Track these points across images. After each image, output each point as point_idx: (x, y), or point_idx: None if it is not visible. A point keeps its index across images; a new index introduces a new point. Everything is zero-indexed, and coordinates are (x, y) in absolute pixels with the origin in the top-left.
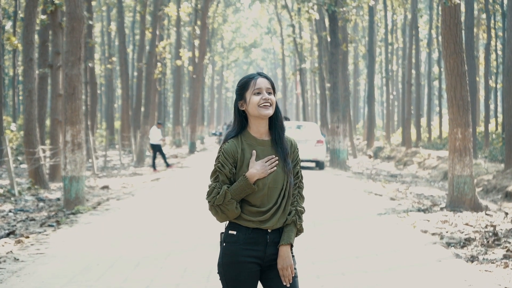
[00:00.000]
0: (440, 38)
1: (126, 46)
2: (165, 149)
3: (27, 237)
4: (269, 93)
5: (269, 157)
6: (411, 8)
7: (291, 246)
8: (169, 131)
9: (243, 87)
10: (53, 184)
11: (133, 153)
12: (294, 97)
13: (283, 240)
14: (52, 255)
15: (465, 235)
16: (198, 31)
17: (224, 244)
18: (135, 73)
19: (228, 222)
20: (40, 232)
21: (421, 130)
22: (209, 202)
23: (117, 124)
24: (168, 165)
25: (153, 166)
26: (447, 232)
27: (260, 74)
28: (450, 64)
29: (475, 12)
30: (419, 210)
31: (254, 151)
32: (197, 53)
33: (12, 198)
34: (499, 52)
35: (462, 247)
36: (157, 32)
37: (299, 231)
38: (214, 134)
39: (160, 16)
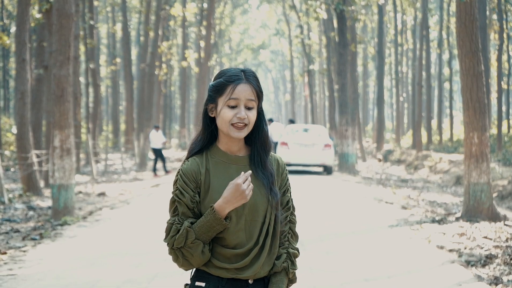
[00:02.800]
0: (450, 39)
1: (131, 47)
2: (170, 152)
3: (4, 253)
4: (249, 108)
5: (243, 175)
6: (421, 8)
7: None
8: (175, 134)
9: (217, 89)
10: (47, 191)
11: (136, 156)
12: (302, 99)
13: None
14: (24, 277)
15: (486, 251)
16: (204, 32)
17: None
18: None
19: (194, 269)
20: (19, 247)
21: (432, 132)
22: (167, 244)
23: (123, 126)
24: (166, 171)
25: (154, 171)
26: (465, 248)
27: (245, 74)
28: (465, 63)
29: (487, 13)
30: (433, 221)
31: (242, 172)
32: (203, 55)
33: (1, 206)
34: (511, 53)
35: (483, 265)
36: (160, 32)
37: (291, 281)
38: None
39: (163, 16)
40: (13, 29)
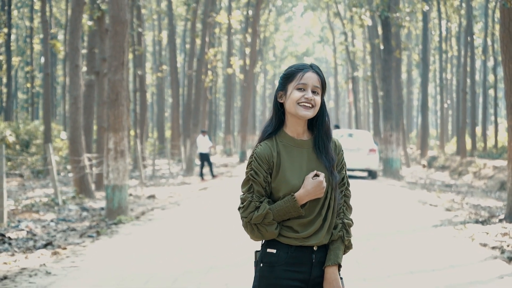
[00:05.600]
0: (495, 45)
1: (176, 54)
2: (215, 158)
3: (64, 248)
4: (315, 92)
5: (322, 175)
6: (466, 15)
7: (339, 266)
8: (219, 140)
9: (287, 77)
10: (98, 193)
11: (183, 162)
12: (346, 106)
13: (329, 260)
14: (86, 269)
15: None
16: (249, 39)
17: (261, 264)
18: (186, 82)
19: None
20: (78, 243)
21: (476, 139)
22: (243, 218)
23: (168, 133)
24: (213, 176)
25: (201, 175)
26: (508, 245)
27: (312, 67)
28: (509, 69)
29: None
30: (476, 221)
31: (322, 173)
32: (248, 61)
33: (56, 208)
34: None
35: None
36: (207, 39)
37: (347, 247)
38: None
39: (210, 23)
40: (60, 36)
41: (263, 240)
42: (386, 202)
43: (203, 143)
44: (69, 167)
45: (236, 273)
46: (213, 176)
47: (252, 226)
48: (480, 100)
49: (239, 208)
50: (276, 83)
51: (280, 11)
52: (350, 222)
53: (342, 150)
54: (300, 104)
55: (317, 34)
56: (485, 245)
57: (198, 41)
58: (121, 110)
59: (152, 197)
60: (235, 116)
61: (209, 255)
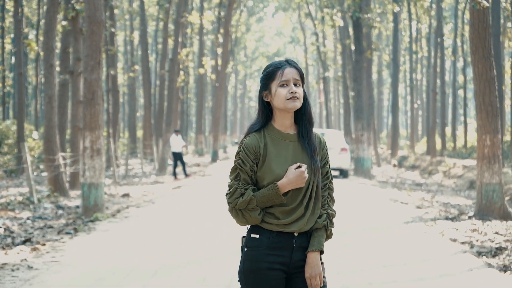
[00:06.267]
0: (465, 46)
1: (148, 54)
2: (187, 158)
3: (43, 244)
4: (296, 85)
5: (304, 166)
6: (436, 16)
7: (321, 252)
8: (191, 140)
9: (268, 77)
10: (73, 192)
11: (155, 161)
12: (317, 106)
13: (312, 246)
14: (67, 263)
15: (496, 244)
16: (221, 39)
17: (245, 249)
18: (158, 82)
19: (250, 225)
20: (56, 240)
21: (446, 139)
22: (229, 203)
23: (139, 133)
24: (186, 175)
25: (174, 174)
26: (477, 241)
27: (288, 62)
28: (478, 69)
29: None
30: (446, 218)
31: (304, 165)
32: (220, 62)
33: (31, 206)
34: None
35: (493, 256)
36: (180, 40)
37: (328, 237)
38: (236, 143)
39: (182, 24)
40: (30, 36)
41: (248, 226)
42: (358, 200)
43: (176, 143)
44: (42, 166)
45: (213, 267)
46: (186, 175)
47: (237, 211)
48: (450, 100)
49: (226, 194)
50: (247, 83)
51: (251, 12)
52: (334, 213)
53: (326, 146)
54: (287, 99)
55: (288, 35)
56: (455, 240)
57: (170, 41)
58: (97, 109)
59: (126, 195)
60: (206, 116)
61: (186, 250)
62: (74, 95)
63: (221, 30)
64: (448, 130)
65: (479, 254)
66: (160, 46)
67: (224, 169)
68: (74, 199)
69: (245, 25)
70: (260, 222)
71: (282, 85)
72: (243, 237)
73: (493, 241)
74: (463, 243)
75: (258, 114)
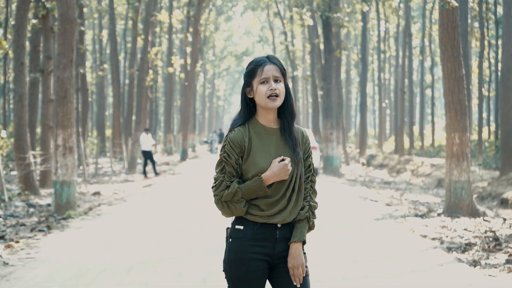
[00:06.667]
0: (432, 46)
1: (118, 53)
2: (156, 157)
3: (17, 241)
4: (277, 81)
5: (288, 159)
6: (404, 16)
7: (303, 243)
8: (160, 139)
9: (250, 74)
10: (43, 190)
11: (124, 160)
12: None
13: (295, 237)
14: (43, 259)
15: (465, 240)
16: (190, 38)
17: (230, 240)
18: (127, 81)
19: (234, 216)
20: (30, 237)
21: (414, 138)
22: (215, 195)
23: (108, 132)
24: (156, 173)
25: (144, 173)
26: (447, 237)
27: (269, 59)
28: (447, 68)
29: (468, 21)
30: (416, 215)
31: (288, 158)
32: (189, 61)
33: (2, 204)
34: (492, 60)
35: (463, 251)
36: (149, 39)
37: (310, 228)
38: (206, 142)
39: (152, 22)
40: None
41: (233, 218)
42: (329, 198)
43: (146, 141)
44: (11, 165)
45: (188, 263)
46: (156, 173)
47: (222, 203)
48: (418, 99)
49: (212, 187)
50: (216, 82)
51: (220, 11)
52: (316, 205)
53: (309, 140)
54: (268, 97)
55: (257, 34)
56: (425, 236)
57: (139, 40)
58: (70, 107)
59: (97, 194)
60: (175, 115)
61: (160, 247)
62: (44, 93)
63: (190, 29)
64: (416, 129)
65: (449, 249)
66: (129, 45)
67: (194, 168)
68: (45, 197)
69: (214, 24)
70: (244, 214)
71: (263, 82)
72: (228, 228)
73: (462, 237)
74: (433, 239)
75: (241, 109)
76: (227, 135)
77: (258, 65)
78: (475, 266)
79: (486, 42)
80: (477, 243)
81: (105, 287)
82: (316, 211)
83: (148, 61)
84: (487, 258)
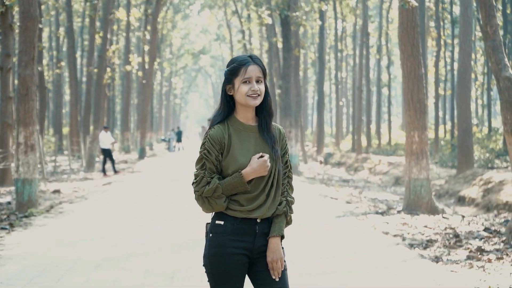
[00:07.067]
0: (389, 45)
1: (75, 51)
2: (114, 155)
3: None
4: (258, 82)
5: (267, 156)
6: (362, 15)
7: (282, 238)
8: (117, 137)
9: (232, 72)
10: (2, 188)
11: (83, 158)
12: None
13: (274, 232)
14: (8, 257)
15: (426, 236)
16: (148, 36)
17: (210, 235)
18: (84, 78)
19: (214, 212)
20: None
21: (371, 136)
22: (196, 191)
23: (65, 130)
24: (115, 171)
25: (103, 171)
26: (408, 233)
27: (252, 59)
28: (407, 67)
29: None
30: (376, 213)
31: (266, 155)
32: (147, 59)
33: None
34: (448, 60)
35: (425, 248)
36: (108, 36)
37: (288, 223)
38: (163, 140)
39: (111, 20)
40: None
41: (213, 213)
42: None
43: (105, 139)
44: None
45: (155, 259)
46: (115, 171)
47: (203, 199)
48: (374, 98)
49: (192, 183)
50: (173, 80)
51: (177, 9)
52: (293, 200)
53: (286, 137)
54: (248, 95)
55: (214, 32)
56: (387, 233)
57: (98, 38)
58: (31, 105)
59: (57, 192)
60: (132, 113)
61: (125, 244)
62: (3, 91)
63: (148, 27)
64: (373, 127)
65: (411, 246)
66: (86, 43)
67: (153, 166)
68: (4, 196)
69: (171, 22)
70: (225, 209)
71: (245, 82)
72: (208, 223)
73: (423, 234)
74: (395, 236)
75: (220, 106)
76: (207, 132)
77: (241, 64)
78: (437, 262)
79: (442, 42)
80: (438, 240)
81: (74, 283)
82: (293, 206)
83: (106, 59)
84: (449, 254)
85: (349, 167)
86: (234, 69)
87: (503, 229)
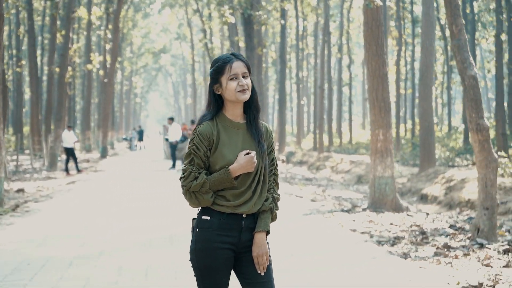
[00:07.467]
0: (350, 44)
1: (36, 49)
2: (75, 154)
3: None
4: (245, 77)
5: (254, 153)
6: (323, 14)
7: (267, 233)
8: (78, 136)
9: (218, 71)
10: None
11: (45, 157)
12: (202, 103)
13: (259, 227)
14: None
15: (393, 234)
16: (109, 35)
17: (197, 230)
18: (44, 77)
19: (201, 207)
20: None
21: (332, 135)
22: (184, 186)
23: (26, 129)
24: (78, 170)
25: (66, 169)
26: (375, 231)
27: (235, 56)
28: (372, 66)
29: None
30: (342, 210)
31: (253, 152)
32: (108, 58)
33: None
34: (408, 59)
35: (393, 245)
36: (70, 35)
37: (273, 219)
38: (125, 139)
39: (72, 19)
40: None
41: (199, 208)
42: None
43: (68, 138)
44: None
45: (127, 257)
46: (78, 170)
47: (190, 193)
48: (335, 97)
49: (180, 178)
50: (133, 79)
51: (137, 8)
52: (278, 196)
53: (272, 135)
54: (238, 91)
55: (174, 31)
56: (354, 230)
57: (59, 37)
58: None
59: (21, 191)
60: (93, 112)
61: (96, 242)
62: None
63: (110, 26)
64: (334, 126)
65: (379, 243)
66: (46, 41)
67: (115, 165)
68: None
69: (132, 21)
70: (211, 204)
71: (232, 79)
72: (194, 219)
73: (390, 231)
74: (362, 233)
75: (209, 105)
76: (195, 128)
77: (226, 62)
78: (405, 258)
79: (402, 41)
80: (405, 237)
81: (48, 281)
82: (279, 203)
83: (68, 57)
84: (416, 251)
85: (311, 165)
86: (219, 68)
87: (467, 226)
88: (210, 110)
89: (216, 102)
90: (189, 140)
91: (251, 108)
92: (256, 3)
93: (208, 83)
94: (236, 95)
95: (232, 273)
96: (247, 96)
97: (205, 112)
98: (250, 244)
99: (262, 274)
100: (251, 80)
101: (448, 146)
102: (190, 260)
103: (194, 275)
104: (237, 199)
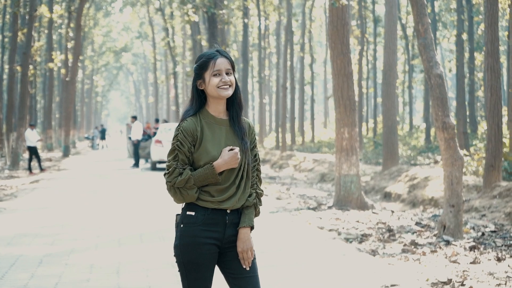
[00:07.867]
0: (312, 43)
1: None
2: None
3: None
4: (228, 74)
5: (237, 148)
6: (286, 13)
7: (251, 228)
8: (40, 135)
9: (201, 67)
10: None
11: (6, 156)
12: (164, 101)
13: (244, 223)
14: None
15: (360, 231)
16: (71, 33)
17: (181, 225)
18: (4, 76)
19: (185, 203)
20: None
21: (295, 134)
22: (168, 182)
23: None
24: (42, 169)
25: (29, 168)
26: (343, 228)
27: (219, 52)
28: (337, 64)
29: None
30: (308, 208)
31: (237, 147)
32: (70, 56)
33: None
34: (370, 58)
35: (360, 242)
36: (33, 33)
37: (256, 214)
38: (87, 138)
39: (35, 17)
40: None
41: (183, 204)
42: None
43: (31, 137)
44: None
45: (98, 254)
46: (42, 169)
47: (175, 189)
48: (297, 96)
49: (165, 174)
50: (95, 78)
51: (98, 6)
52: (262, 192)
53: (255, 132)
54: (219, 87)
55: (136, 30)
56: (322, 228)
57: (21, 35)
58: None
59: None
60: (53, 111)
61: (65, 240)
62: None
63: (72, 24)
64: (296, 125)
65: (347, 240)
66: (6, 40)
67: (78, 164)
68: None
69: (93, 20)
70: (195, 200)
71: (215, 75)
72: (178, 214)
73: (357, 229)
74: (330, 230)
75: (191, 101)
76: (179, 124)
77: (210, 58)
78: (374, 255)
79: (364, 40)
80: (372, 234)
81: (19, 279)
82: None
83: (31, 56)
84: (384, 248)
85: (274, 164)
86: (203, 64)
87: (432, 224)
88: (192, 105)
89: (199, 98)
90: (173, 136)
91: (234, 105)
92: (220, 2)
93: (192, 78)
94: (218, 91)
95: (216, 268)
96: (229, 92)
97: (188, 107)
98: (234, 239)
99: (247, 269)
100: (235, 78)
101: (410, 144)
102: (174, 255)
103: (178, 270)
104: (221, 195)
